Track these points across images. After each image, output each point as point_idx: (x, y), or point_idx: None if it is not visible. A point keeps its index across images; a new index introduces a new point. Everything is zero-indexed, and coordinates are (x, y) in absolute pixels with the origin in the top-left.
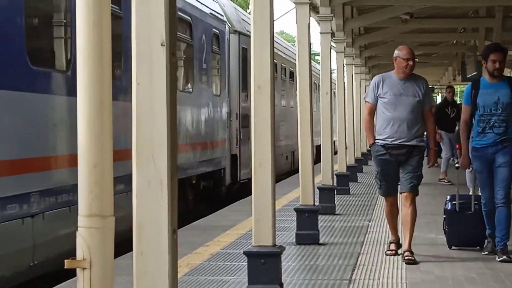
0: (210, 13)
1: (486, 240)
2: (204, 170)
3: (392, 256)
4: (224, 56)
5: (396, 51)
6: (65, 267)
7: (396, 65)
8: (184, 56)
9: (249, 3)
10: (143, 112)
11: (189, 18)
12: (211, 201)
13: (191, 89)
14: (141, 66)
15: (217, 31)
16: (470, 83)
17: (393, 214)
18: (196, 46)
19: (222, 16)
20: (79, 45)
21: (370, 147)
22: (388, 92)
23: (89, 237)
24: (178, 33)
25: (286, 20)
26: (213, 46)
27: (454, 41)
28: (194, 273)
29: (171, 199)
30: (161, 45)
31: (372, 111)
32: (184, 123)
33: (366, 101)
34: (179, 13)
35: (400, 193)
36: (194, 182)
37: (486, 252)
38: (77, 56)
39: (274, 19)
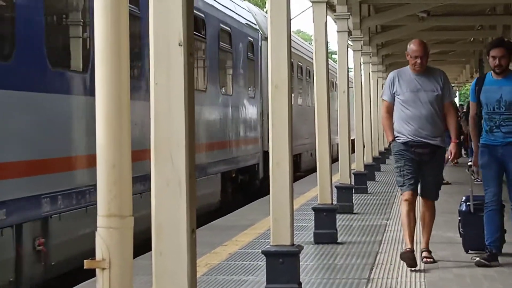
0: (246, 23)
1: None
2: (243, 165)
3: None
4: (258, 62)
5: (407, 45)
6: (84, 267)
7: (408, 60)
8: (226, 63)
9: (265, 2)
10: (161, 112)
11: (229, 29)
12: (247, 194)
13: (231, 92)
14: (159, 66)
15: (252, 39)
16: (475, 79)
17: (409, 220)
18: (235, 54)
19: (255, 24)
20: (97, 44)
21: (389, 146)
22: (405, 88)
23: (108, 237)
24: (221, 43)
25: (303, 18)
26: (248, 53)
27: (472, 39)
28: (212, 272)
29: (189, 199)
30: (179, 45)
31: (390, 109)
32: (226, 122)
33: (383, 100)
34: (222, 25)
35: (420, 196)
36: (233, 175)
37: (478, 263)
38: (95, 55)
39: (291, 18)
